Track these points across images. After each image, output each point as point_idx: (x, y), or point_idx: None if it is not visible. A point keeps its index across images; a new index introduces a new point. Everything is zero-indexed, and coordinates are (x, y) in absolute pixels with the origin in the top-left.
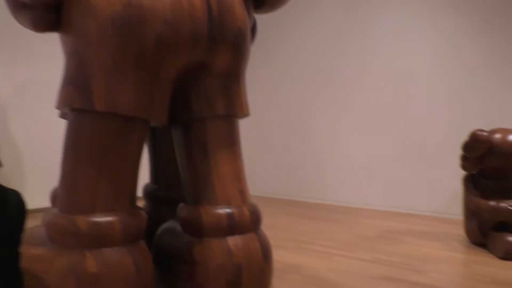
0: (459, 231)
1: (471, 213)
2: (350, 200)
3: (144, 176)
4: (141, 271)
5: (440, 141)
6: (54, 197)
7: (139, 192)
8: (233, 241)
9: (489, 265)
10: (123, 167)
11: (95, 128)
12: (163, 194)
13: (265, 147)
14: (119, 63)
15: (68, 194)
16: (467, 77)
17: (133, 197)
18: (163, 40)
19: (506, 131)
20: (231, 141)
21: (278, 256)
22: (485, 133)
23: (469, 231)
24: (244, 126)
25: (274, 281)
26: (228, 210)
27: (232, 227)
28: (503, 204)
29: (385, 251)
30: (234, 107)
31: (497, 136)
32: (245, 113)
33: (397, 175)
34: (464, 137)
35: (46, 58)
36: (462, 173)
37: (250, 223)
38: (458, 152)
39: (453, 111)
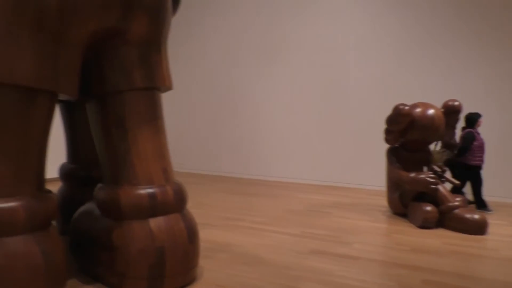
0: (383, 202)
1: (394, 185)
2: (281, 175)
3: (60, 155)
4: (51, 261)
5: (365, 116)
6: None
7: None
8: (156, 223)
9: (408, 234)
10: (25, 146)
11: None
12: (83, 174)
13: (195, 122)
14: (14, 26)
15: None
16: (391, 53)
17: (40, 179)
18: (67, 1)
19: (425, 106)
20: (152, 116)
21: (207, 235)
22: (407, 107)
23: (391, 202)
24: (171, 100)
25: (201, 261)
26: (149, 190)
27: (155, 208)
28: (422, 176)
29: (313, 225)
30: (155, 79)
31: (418, 110)
32: (167, 86)
33: (325, 149)
34: (388, 111)
35: None
36: (385, 146)
37: (174, 203)
38: (382, 126)
39: (378, 86)
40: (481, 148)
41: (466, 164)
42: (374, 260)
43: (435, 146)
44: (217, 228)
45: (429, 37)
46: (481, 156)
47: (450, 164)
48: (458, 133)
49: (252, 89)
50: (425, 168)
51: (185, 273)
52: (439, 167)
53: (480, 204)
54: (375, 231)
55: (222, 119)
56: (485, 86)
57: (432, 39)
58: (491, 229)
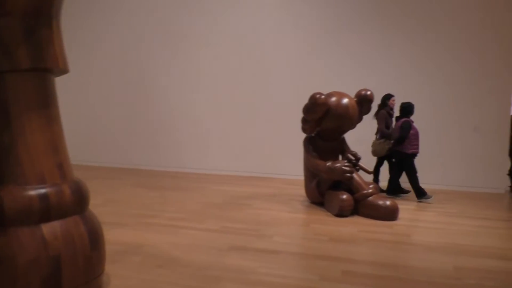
0: (301, 191)
1: (311, 174)
2: (198, 166)
3: None
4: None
5: (284, 105)
6: None
7: None
8: (49, 229)
9: (326, 223)
10: None
11: None
12: None
13: (102, 111)
14: None
15: None
16: (306, 41)
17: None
18: None
19: (340, 95)
20: (44, 103)
21: (117, 236)
22: (323, 96)
23: (308, 192)
24: (70, 85)
25: (109, 267)
26: (41, 191)
27: (48, 211)
28: (338, 165)
29: (233, 219)
30: (44, 59)
31: (333, 99)
32: (62, 68)
33: (243, 139)
34: (304, 100)
35: None
36: (303, 135)
37: (72, 204)
38: (299, 115)
39: (293, 75)
40: (416, 136)
41: (403, 152)
42: (294, 253)
43: (376, 138)
44: (128, 227)
45: (344, 25)
46: (417, 144)
47: (390, 154)
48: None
49: (165, 77)
50: (340, 157)
51: (88, 283)
52: (353, 155)
53: (419, 192)
54: (294, 222)
55: (133, 107)
56: (395, 73)
57: (347, 27)
58: (401, 214)
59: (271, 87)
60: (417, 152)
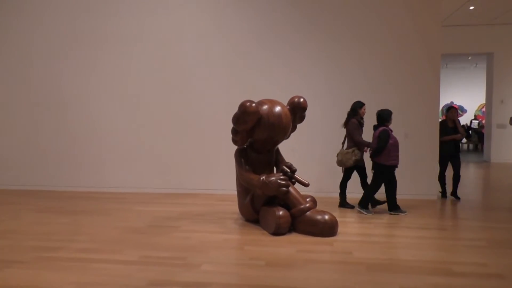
0: (235, 208)
1: (244, 189)
2: (116, 185)
3: None
4: None
5: (213, 115)
6: None
7: None
8: None
9: (262, 244)
10: None
11: None
12: None
13: (8, 129)
14: None
15: None
16: (237, 50)
17: None
18: None
19: (272, 102)
20: None
21: (7, 279)
22: (253, 104)
23: (242, 208)
24: None
25: None
26: None
27: None
28: (273, 178)
29: (156, 245)
30: None
31: (265, 107)
32: None
33: (169, 153)
34: (234, 110)
35: None
36: (234, 147)
37: None
38: (230, 126)
39: (223, 84)
40: (396, 146)
41: (382, 164)
42: (226, 285)
43: (342, 146)
44: (23, 265)
45: (275, 31)
46: (397, 155)
47: (360, 165)
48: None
49: (81, 87)
50: (275, 170)
51: None
52: (288, 167)
53: (393, 206)
54: (227, 245)
55: (39, 121)
56: (327, 81)
57: (278, 33)
58: (340, 228)
59: (197, 96)
60: (397, 164)
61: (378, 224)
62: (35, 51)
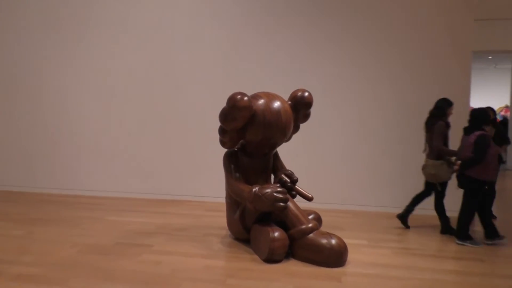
0: (223, 221)
1: (234, 202)
2: (98, 188)
3: None
4: None
5: (203, 113)
6: None
7: None
8: None
9: (250, 275)
10: None
11: None
12: None
13: None
14: None
15: None
16: (230, 39)
17: None
18: None
19: (270, 96)
20: None
21: None
22: (245, 98)
23: (231, 224)
24: None
25: None
26: None
27: None
28: (268, 190)
29: (115, 274)
30: None
31: (260, 102)
32: None
33: (156, 154)
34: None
35: None
36: (223, 150)
37: None
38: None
39: (215, 77)
40: (495, 157)
41: (476, 179)
42: None
43: (427, 157)
44: None
45: (274, 18)
46: (497, 168)
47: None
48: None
49: (55, 82)
50: (272, 179)
51: None
52: (288, 175)
53: (491, 231)
54: (205, 276)
55: (10, 115)
56: (340, 75)
57: (278, 20)
58: (350, 254)
59: (185, 92)
60: (495, 179)
61: (398, 251)
62: (7, 43)
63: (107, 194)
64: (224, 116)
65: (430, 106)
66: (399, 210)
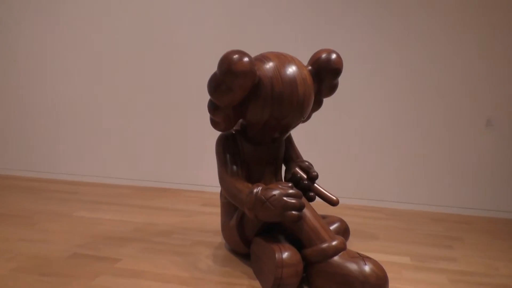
0: (220, 222)
1: (229, 203)
2: (78, 172)
3: None
4: None
5: (203, 91)
6: None
7: None
8: None
9: None
10: None
11: None
12: None
13: None
14: None
15: None
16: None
17: None
18: None
19: (281, 58)
20: None
21: None
22: (246, 59)
23: (226, 233)
24: None
25: None
26: None
27: None
28: (275, 192)
29: None
30: None
31: (268, 66)
32: None
33: (150, 136)
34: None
35: None
36: (215, 133)
37: None
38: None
39: (221, 47)
40: None
41: None
42: None
43: None
44: None
45: None
46: None
47: None
48: None
49: (34, 52)
50: (283, 174)
51: None
52: (305, 170)
53: None
54: None
55: None
56: (379, 31)
57: None
58: (392, 284)
59: (181, 65)
60: None
61: (456, 277)
62: None
63: (87, 179)
64: (215, 85)
65: (493, 72)
66: (448, 209)
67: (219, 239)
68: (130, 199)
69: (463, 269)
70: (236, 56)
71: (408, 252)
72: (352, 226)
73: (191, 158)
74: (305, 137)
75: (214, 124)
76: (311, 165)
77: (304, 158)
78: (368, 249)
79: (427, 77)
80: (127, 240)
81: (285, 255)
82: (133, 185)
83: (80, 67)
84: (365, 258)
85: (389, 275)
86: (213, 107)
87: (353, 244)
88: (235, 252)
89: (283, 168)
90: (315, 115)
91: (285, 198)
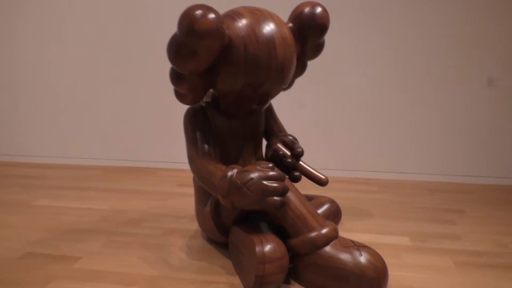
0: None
1: (204, 190)
2: (47, 153)
3: None
4: None
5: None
6: None
7: None
8: None
9: None
10: None
11: None
12: None
13: None
14: None
15: None
16: None
17: None
18: None
19: (255, 14)
20: None
21: None
22: (212, 16)
23: (201, 219)
24: None
25: None
26: None
27: None
28: (255, 175)
29: None
30: None
31: (240, 24)
32: None
33: (120, 115)
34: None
35: None
36: (183, 107)
37: None
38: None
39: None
40: None
41: None
42: None
43: None
44: None
45: None
46: None
47: None
48: None
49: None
50: (263, 151)
51: None
52: (289, 145)
53: None
54: None
55: None
56: None
57: None
58: (392, 271)
59: (149, 38)
60: None
61: (463, 258)
62: None
63: (55, 160)
64: (175, 49)
65: (494, 28)
66: (445, 178)
67: (195, 225)
68: (99, 181)
69: (468, 248)
70: (199, 12)
71: (407, 231)
72: (343, 202)
73: (165, 133)
74: (288, 107)
75: (179, 96)
76: (295, 139)
77: (288, 130)
78: (362, 229)
79: (415, 36)
80: (90, 232)
81: (268, 248)
82: (102, 165)
83: (39, 40)
84: (360, 247)
85: (387, 260)
86: (176, 76)
87: (344, 226)
88: (212, 241)
89: (265, 143)
90: (298, 81)
91: (264, 182)
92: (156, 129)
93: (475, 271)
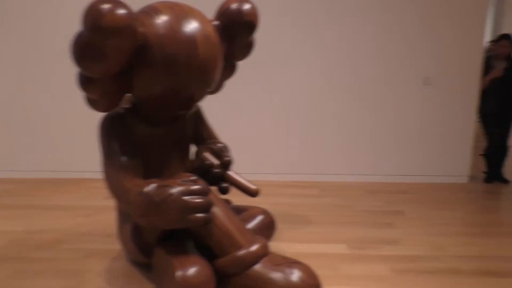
0: None
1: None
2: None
3: None
4: None
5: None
6: None
7: None
8: None
9: None
10: None
11: None
12: None
13: None
14: None
15: None
16: None
17: None
18: None
19: (176, 10)
20: None
21: None
22: (121, 12)
23: (124, 243)
24: None
25: None
26: None
27: None
28: (174, 191)
29: None
30: None
31: (159, 21)
32: None
33: (58, 121)
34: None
35: None
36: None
37: None
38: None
39: None
40: None
41: None
42: None
43: None
44: None
45: None
46: None
47: None
48: None
49: None
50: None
51: None
52: (217, 153)
53: None
54: None
55: None
56: None
57: None
58: (322, 278)
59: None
60: None
61: (401, 265)
62: None
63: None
64: (81, 49)
65: (432, 31)
66: (384, 178)
67: (118, 246)
68: (14, 197)
69: (407, 254)
70: (106, 7)
71: (345, 237)
72: (281, 208)
73: (92, 141)
74: (223, 109)
75: (91, 103)
76: (225, 147)
77: (222, 134)
78: (298, 239)
79: (350, 38)
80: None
81: (190, 272)
82: (20, 178)
83: None
84: (292, 264)
85: (323, 272)
86: (84, 80)
87: (280, 235)
88: (136, 263)
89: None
90: (233, 83)
91: (185, 198)
92: (80, 135)
93: (413, 279)
